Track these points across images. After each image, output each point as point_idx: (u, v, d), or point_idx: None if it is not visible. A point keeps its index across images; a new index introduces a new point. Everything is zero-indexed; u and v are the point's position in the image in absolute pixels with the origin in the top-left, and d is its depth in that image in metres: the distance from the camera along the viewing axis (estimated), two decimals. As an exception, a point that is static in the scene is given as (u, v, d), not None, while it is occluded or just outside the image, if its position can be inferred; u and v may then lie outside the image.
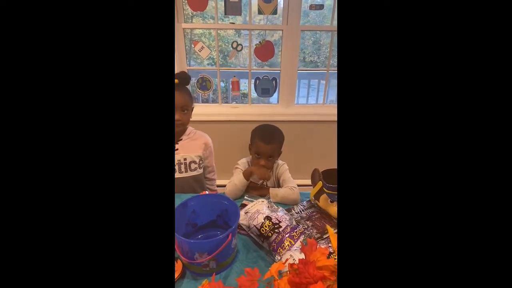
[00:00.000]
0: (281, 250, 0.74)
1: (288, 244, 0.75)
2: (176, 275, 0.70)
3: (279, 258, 0.74)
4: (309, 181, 1.06)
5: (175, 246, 0.73)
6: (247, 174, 1.08)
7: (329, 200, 0.95)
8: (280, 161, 1.21)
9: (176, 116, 1.10)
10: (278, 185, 1.18)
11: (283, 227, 0.79)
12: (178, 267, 0.72)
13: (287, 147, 1.28)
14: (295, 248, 0.74)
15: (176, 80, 1.13)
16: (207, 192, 0.97)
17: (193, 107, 1.19)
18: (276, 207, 0.92)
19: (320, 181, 0.97)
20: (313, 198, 1.03)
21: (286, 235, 0.77)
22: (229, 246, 0.72)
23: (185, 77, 1.17)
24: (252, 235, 0.85)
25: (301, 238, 0.77)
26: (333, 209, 0.95)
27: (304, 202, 1.05)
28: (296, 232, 0.78)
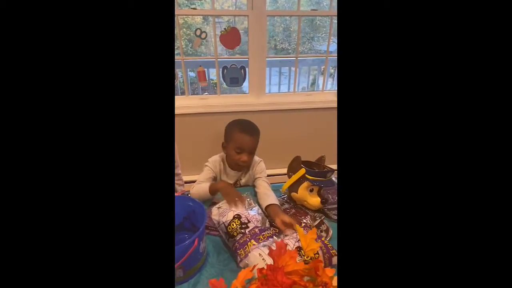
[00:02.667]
0: (242, 252, 0.70)
1: (251, 247, 0.70)
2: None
3: (239, 259, 0.69)
4: (280, 171, 1.02)
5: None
6: (213, 190, 0.95)
7: (309, 189, 0.91)
8: (257, 158, 1.12)
9: None
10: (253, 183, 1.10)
11: (251, 227, 0.75)
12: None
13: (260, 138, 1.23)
14: (263, 244, 0.70)
15: None
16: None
17: None
18: (253, 204, 0.87)
19: (302, 169, 0.92)
20: (286, 190, 0.99)
21: (251, 237, 0.72)
22: (197, 251, 0.67)
23: None
24: (221, 232, 0.81)
25: (268, 241, 0.73)
26: (312, 200, 0.91)
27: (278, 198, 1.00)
28: (263, 235, 0.73)
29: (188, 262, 0.65)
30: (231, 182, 1.11)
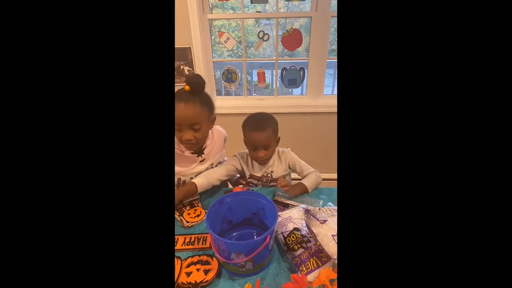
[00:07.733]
0: (303, 268, 0.67)
1: (312, 265, 0.66)
2: (212, 274, 0.68)
3: (300, 275, 0.64)
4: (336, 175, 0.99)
5: (212, 244, 0.72)
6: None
7: None
8: (285, 149, 1.13)
9: (187, 136, 0.93)
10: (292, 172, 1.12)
11: (312, 242, 0.70)
12: (214, 265, 0.70)
13: (315, 140, 1.21)
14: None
15: (186, 87, 0.90)
16: (241, 188, 0.94)
17: (214, 118, 1.03)
18: (316, 221, 0.76)
19: None
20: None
21: (313, 254, 0.68)
22: (267, 248, 0.69)
23: (198, 82, 0.92)
24: (279, 240, 0.79)
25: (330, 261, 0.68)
26: None
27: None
28: (324, 252, 0.68)
29: (258, 257, 0.68)
30: (258, 175, 1.12)
